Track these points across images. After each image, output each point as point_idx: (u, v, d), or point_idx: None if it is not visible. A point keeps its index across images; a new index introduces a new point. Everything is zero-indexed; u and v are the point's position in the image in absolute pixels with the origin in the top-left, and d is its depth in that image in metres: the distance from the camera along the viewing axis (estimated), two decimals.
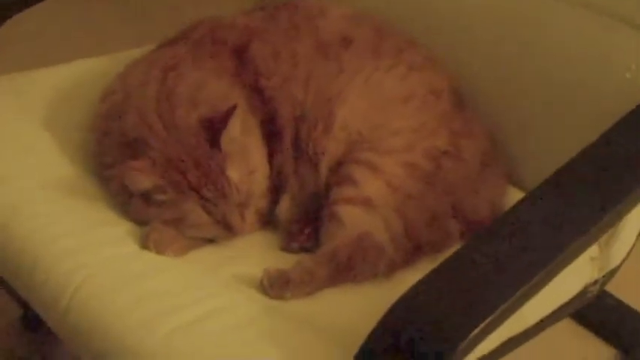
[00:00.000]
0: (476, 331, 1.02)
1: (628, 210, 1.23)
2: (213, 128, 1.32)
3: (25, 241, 1.33)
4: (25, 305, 1.71)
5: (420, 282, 1.07)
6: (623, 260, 1.46)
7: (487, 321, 1.03)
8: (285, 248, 1.38)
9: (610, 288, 1.50)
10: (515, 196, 1.44)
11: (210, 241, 1.35)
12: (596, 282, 1.43)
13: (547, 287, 1.12)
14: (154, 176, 1.30)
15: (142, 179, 1.30)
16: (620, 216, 1.25)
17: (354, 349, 1.05)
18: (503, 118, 1.50)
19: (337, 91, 1.42)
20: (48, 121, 1.51)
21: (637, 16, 1.38)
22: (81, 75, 1.62)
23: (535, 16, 1.47)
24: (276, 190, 1.41)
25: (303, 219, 1.39)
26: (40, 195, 1.39)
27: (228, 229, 1.33)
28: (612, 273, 1.46)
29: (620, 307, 1.90)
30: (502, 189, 1.46)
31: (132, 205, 1.35)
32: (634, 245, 1.47)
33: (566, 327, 1.85)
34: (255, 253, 1.37)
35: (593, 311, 1.73)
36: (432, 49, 1.52)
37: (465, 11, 1.55)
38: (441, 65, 1.51)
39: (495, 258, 1.10)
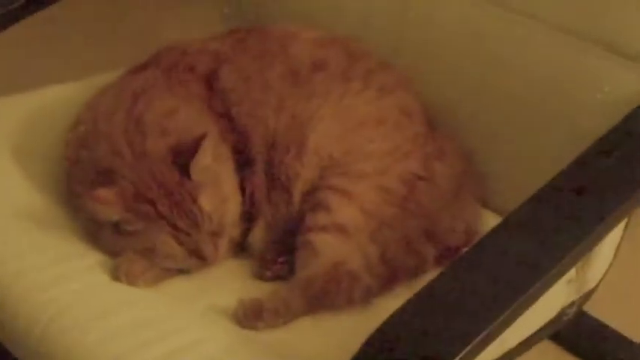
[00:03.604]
0: (460, 355, 1.01)
1: (604, 234, 1.22)
2: (183, 157, 1.30)
3: None
4: None
5: (398, 311, 1.06)
6: (600, 281, 1.46)
7: (468, 348, 1.02)
8: (260, 276, 1.36)
9: (588, 308, 1.50)
10: (489, 219, 1.43)
11: (183, 271, 1.33)
12: (573, 304, 1.42)
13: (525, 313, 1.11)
14: (119, 207, 1.28)
15: (110, 209, 1.28)
16: (597, 240, 1.24)
17: None
18: (476, 139, 1.49)
19: (309, 116, 1.41)
20: (15, 150, 1.49)
21: (610, 39, 1.38)
22: (50, 102, 1.59)
23: (505, 35, 1.46)
24: (249, 218, 1.39)
25: (277, 246, 1.38)
26: (8, 227, 1.37)
27: (201, 259, 1.31)
28: (589, 294, 1.45)
29: (600, 327, 1.90)
30: (476, 212, 1.45)
31: (102, 235, 1.33)
32: (610, 265, 1.46)
33: (546, 348, 1.84)
34: (229, 282, 1.35)
35: (573, 332, 1.73)
36: (404, 69, 1.51)
37: (435, 31, 1.54)
38: (412, 87, 1.50)
39: (473, 287, 1.09)
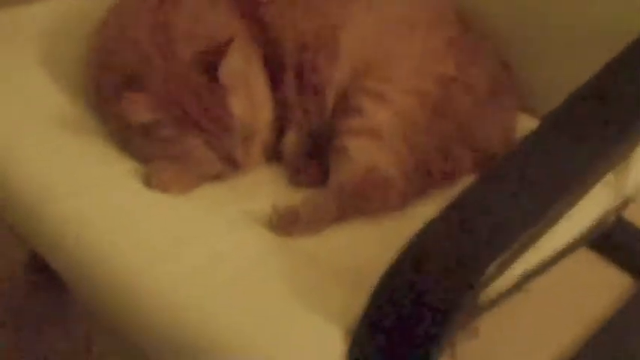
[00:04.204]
0: (496, 262, 1.00)
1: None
2: (212, 60, 1.27)
3: (26, 185, 1.29)
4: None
5: (432, 221, 1.04)
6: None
7: (503, 257, 1.01)
8: (293, 183, 1.34)
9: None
10: (526, 123, 1.41)
11: (216, 177, 1.31)
12: (611, 210, 1.40)
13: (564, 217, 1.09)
14: (153, 110, 1.26)
15: (142, 112, 1.26)
16: (635, 144, 1.21)
17: (369, 285, 1.03)
18: (514, 43, 1.46)
19: (340, 18, 1.38)
20: (41, 56, 1.47)
21: None
22: (76, 6, 1.57)
23: None
24: (281, 122, 1.37)
25: (310, 152, 1.36)
26: (36, 134, 1.35)
27: (232, 165, 1.29)
28: (628, 201, 1.43)
29: (637, 234, 1.88)
30: (513, 116, 1.42)
31: (133, 141, 1.31)
32: None
33: (584, 256, 1.83)
34: (263, 188, 1.33)
35: (612, 240, 1.72)
36: None
37: None
38: None
39: (509, 193, 1.07)
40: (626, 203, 1.43)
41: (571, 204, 1.10)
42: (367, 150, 1.30)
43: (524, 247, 1.05)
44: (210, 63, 1.27)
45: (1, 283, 1.85)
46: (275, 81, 1.37)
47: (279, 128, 1.37)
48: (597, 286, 1.83)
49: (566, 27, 1.41)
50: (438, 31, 1.41)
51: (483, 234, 1.04)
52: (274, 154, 1.37)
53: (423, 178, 1.31)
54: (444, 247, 1.03)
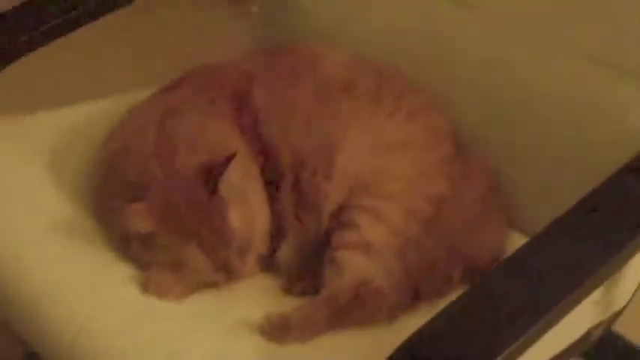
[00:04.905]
0: None
1: (632, 255, 1.23)
2: (212, 174, 1.32)
3: (26, 285, 1.33)
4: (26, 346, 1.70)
5: (420, 330, 1.07)
6: (628, 302, 1.45)
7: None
8: (287, 292, 1.37)
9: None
10: (516, 239, 1.44)
11: (211, 285, 1.34)
12: (600, 324, 1.42)
13: (552, 330, 1.12)
14: (153, 220, 1.30)
15: (141, 222, 1.30)
16: (624, 261, 1.25)
17: None
18: (502, 162, 1.50)
19: (337, 137, 1.42)
20: (48, 165, 1.51)
21: (636, 66, 1.39)
22: (83, 118, 1.62)
23: (532, 60, 1.47)
24: (277, 235, 1.40)
25: (304, 263, 1.39)
26: (40, 239, 1.39)
27: (228, 275, 1.33)
28: (617, 315, 1.45)
29: (628, 346, 1.89)
30: (503, 233, 1.45)
31: (132, 248, 1.34)
32: (639, 286, 1.46)
33: None
34: (257, 296, 1.36)
35: (601, 352, 1.73)
36: (429, 90, 1.52)
37: (463, 56, 1.55)
38: (440, 109, 1.51)
39: (497, 304, 1.10)
40: (615, 317, 1.45)
41: (559, 315, 1.13)
42: (360, 263, 1.34)
43: (514, 356, 1.07)
44: (211, 176, 1.32)
45: None
46: (272, 194, 1.41)
47: (276, 240, 1.41)
48: None
49: (555, 147, 1.45)
50: (431, 152, 1.46)
51: (472, 343, 1.07)
52: (270, 264, 1.41)
53: (413, 292, 1.34)
54: (431, 355, 1.05)
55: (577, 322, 1.39)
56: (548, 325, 1.11)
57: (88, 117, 1.62)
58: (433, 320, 1.09)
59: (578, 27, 1.43)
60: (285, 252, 1.41)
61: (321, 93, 1.46)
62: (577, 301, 1.14)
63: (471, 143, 1.51)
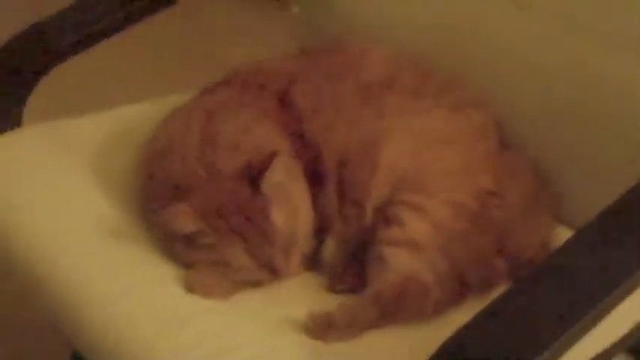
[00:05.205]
0: None
1: None
2: (256, 173, 1.32)
3: (70, 286, 1.34)
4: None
5: (465, 326, 1.07)
6: None
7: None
8: (331, 290, 1.37)
9: None
10: (562, 233, 1.43)
11: (255, 283, 1.35)
12: None
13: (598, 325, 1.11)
14: (197, 220, 1.30)
15: (185, 222, 1.31)
16: None
17: None
18: (549, 154, 1.49)
19: (381, 133, 1.42)
20: (92, 167, 1.53)
21: None
22: (125, 120, 1.63)
23: (569, 49, 1.47)
24: (320, 233, 1.40)
25: (348, 261, 1.39)
26: (84, 239, 1.40)
27: (272, 273, 1.33)
28: None
29: None
30: (549, 227, 1.45)
31: (176, 248, 1.35)
32: None
33: None
34: (301, 294, 1.36)
35: None
36: (474, 85, 1.52)
37: (505, 47, 1.54)
38: (483, 104, 1.50)
39: (543, 300, 1.09)
40: None
41: (606, 310, 1.12)
42: (405, 260, 1.33)
43: (558, 353, 1.06)
44: (254, 175, 1.32)
45: None
46: (316, 193, 1.41)
47: (319, 238, 1.40)
48: None
49: (602, 145, 1.44)
50: (476, 146, 1.45)
51: (518, 340, 1.06)
52: (313, 262, 1.41)
53: (459, 288, 1.33)
54: (477, 352, 1.05)
55: (623, 318, 1.37)
56: (589, 326, 1.10)
57: (132, 118, 1.64)
58: (477, 317, 1.08)
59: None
60: (329, 250, 1.41)
61: (363, 90, 1.45)
62: (620, 299, 1.13)
63: (514, 137, 1.50)
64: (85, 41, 1.68)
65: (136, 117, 1.63)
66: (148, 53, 2.91)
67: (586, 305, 1.09)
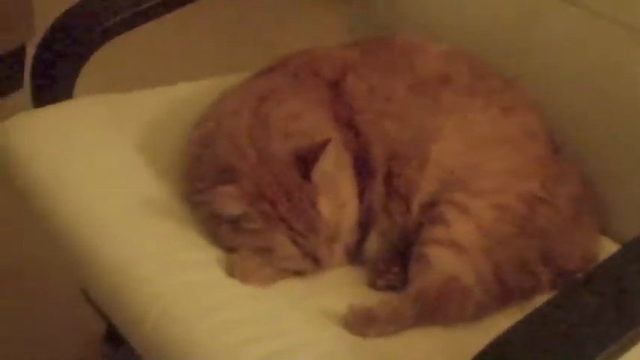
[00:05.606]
0: None
1: None
2: (306, 160, 1.32)
3: (111, 261, 1.34)
4: (108, 322, 1.72)
5: (508, 331, 1.06)
6: None
7: None
8: (371, 285, 1.37)
9: None
10: (607, 246, 1.41)
11: (296, 272, 1.34)
12: None
13: None
14: (243, 203, 1.30)
15: (232, 205, 1.30)
16: None
17: None
18: (599, 166, 1.48)
19: (432, 130, 1.41)
20: (141, 143, 1.53)
21: None
22: (174, 99, 1.63)
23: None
24: (365, 226, 1.40)
25: (391, 256, 1.38)
26: (126, 215, 1.40)
27: (315, 263, 1.32)
28: None
29: None
30: (595, 238, 1.43)
31: (220, 231, 1.34)
32: None
33: None
34: (341, 287, 1.36)
35: None
36: (529, 91, 1.50)
37: (559, 49, 1.53)
38: (536, 108, 1.49)
39: (586, 313, 1.08)
40: None
41: None
42: (448, 260, 1.32)
43: None
44: (305, 162, 1.32)
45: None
46: (363, 186, 1.40)
47: (363, 231, 1.40)
48: None
49: None
50: (525, 150, 1.44)
51: (557, 351, 1.05)
52: (355, 256, 1.40)
53: (501, 292, 1.32)
54: (525, 354, 1.04)
55: None
56: (636, 339, 1.08)
57: (180, 98, 1.64)
58: (522, 323, 1.07)
59: None
60: (372, 244, 1.40)
61: (418, 85, 1.45)
62: None
63: (565, 144, 1.49)
64: (134, 20, 1.68)
65: (186, 97, 1.63)
66: (199, 34, 2.91)
67: (634, 318, 1.08)
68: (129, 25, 1.66)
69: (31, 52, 1.78)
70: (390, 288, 1.35)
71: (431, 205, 1.38)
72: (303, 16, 2.99)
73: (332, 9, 1.85)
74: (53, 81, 1.63)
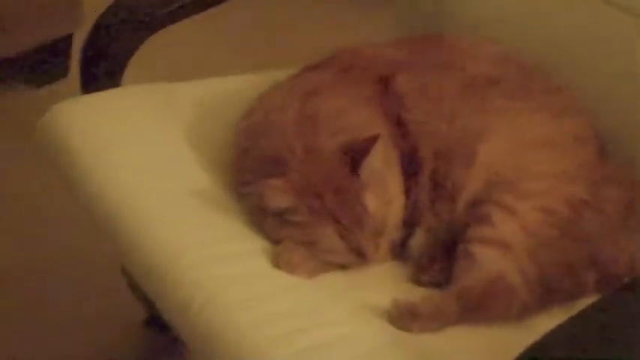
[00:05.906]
0: None
1: None
2: (355, 155, 1.32)
3: (158, 248, 1.35)
4: (150, 308, 1.73)
5: (553, 332, 1.06)
6: None
7: None
8: (415, 281, 1.37)
9: None
10: None
11: (340, 266, 1.35)
12: None
13: None
14: (291, 196, 1.31)
15: (280, 198, 1.31)
16: None
17: None
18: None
19: (481, 130, 1.41)
20: (186, 135, 1.53)
21: None
22: (225, 91, 1.64)
23: None
24: (410, 223, 1.40)
25: (435, 253, 1.38)
26: (174, 204, 1.41)
27: (360, 257, 1.33)
28: None
29: None
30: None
31: (266, 223, 1.35)
32: None
33: None
34: (385, 282, 1.36)
35: None
36: (580, 95, 1.50)
37: (613, 57, 1.52)
38: (586, 112, 1.48)
39: (632, 318, 1.08)
40: None
41: None
42: (494, 259, 1.32)
43: None
44: (354, 156, 1.32)
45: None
46: (409, 182, 1.41)
47: (409, 228, 1.40)
48: None
49: None
50: (573, 153, 1.43)
51: (600, 355, 1.04)
52: (400, 252, 1.40)
53: (545, 293, 1.32)
54: (570, 355, 1.04)
55: None
56: None
57: (228, 90, 1.64)
58: (564, 325, 1.07)
59: None
60: (417, 241, 1.40)
61: (468, 84, 1.45)
62: None
63: (614, 149, 1.48)
64: (182, 11, 1.69)
65: (233, 89, 1.64)
66: (248, 28, 2.92)
67: None
68: (175, 18, 1.68)
69: (78, 41, 1.79)
70: (434, 284, 1.36)
71: (476, 204, 1.38)
72: (364, 14, 2.99)
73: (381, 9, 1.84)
74: (102, 71, 1.64)
